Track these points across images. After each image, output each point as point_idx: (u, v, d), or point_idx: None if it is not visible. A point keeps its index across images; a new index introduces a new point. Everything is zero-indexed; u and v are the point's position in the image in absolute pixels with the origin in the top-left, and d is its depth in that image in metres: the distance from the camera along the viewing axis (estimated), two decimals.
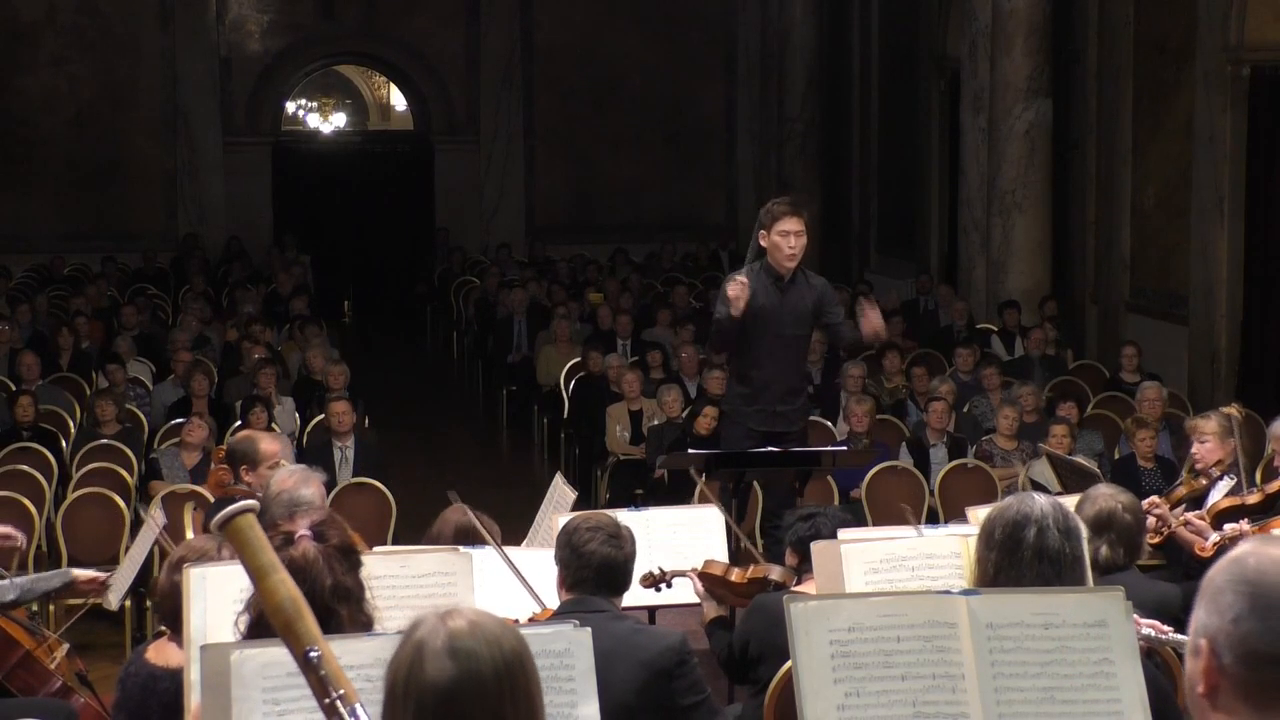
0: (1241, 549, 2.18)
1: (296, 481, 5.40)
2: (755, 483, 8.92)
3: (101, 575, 6.10)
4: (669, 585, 5.89)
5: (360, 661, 3.14)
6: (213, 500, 7.53)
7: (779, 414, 8.22)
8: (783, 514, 8.42)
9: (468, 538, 5.36)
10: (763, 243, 8.20)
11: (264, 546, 2.59)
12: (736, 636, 5.46)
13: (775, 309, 8.15)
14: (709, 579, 5.85)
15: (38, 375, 12.14)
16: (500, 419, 15.60)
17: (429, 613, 2.47)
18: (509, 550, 5.37)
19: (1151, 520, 6.47)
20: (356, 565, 3.47)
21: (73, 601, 8.58)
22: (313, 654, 2.48)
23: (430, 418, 16.06)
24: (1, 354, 13.19)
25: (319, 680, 2.47)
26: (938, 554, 4.87)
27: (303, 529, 3.45)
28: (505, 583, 5.17)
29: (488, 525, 5.45)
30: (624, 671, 4.46)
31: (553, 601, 4.91)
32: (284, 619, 2.54)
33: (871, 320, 8.16)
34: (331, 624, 3.34)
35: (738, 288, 7.89)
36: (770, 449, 8.01)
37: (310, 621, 2.54)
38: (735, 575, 5.80)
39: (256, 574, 2.58)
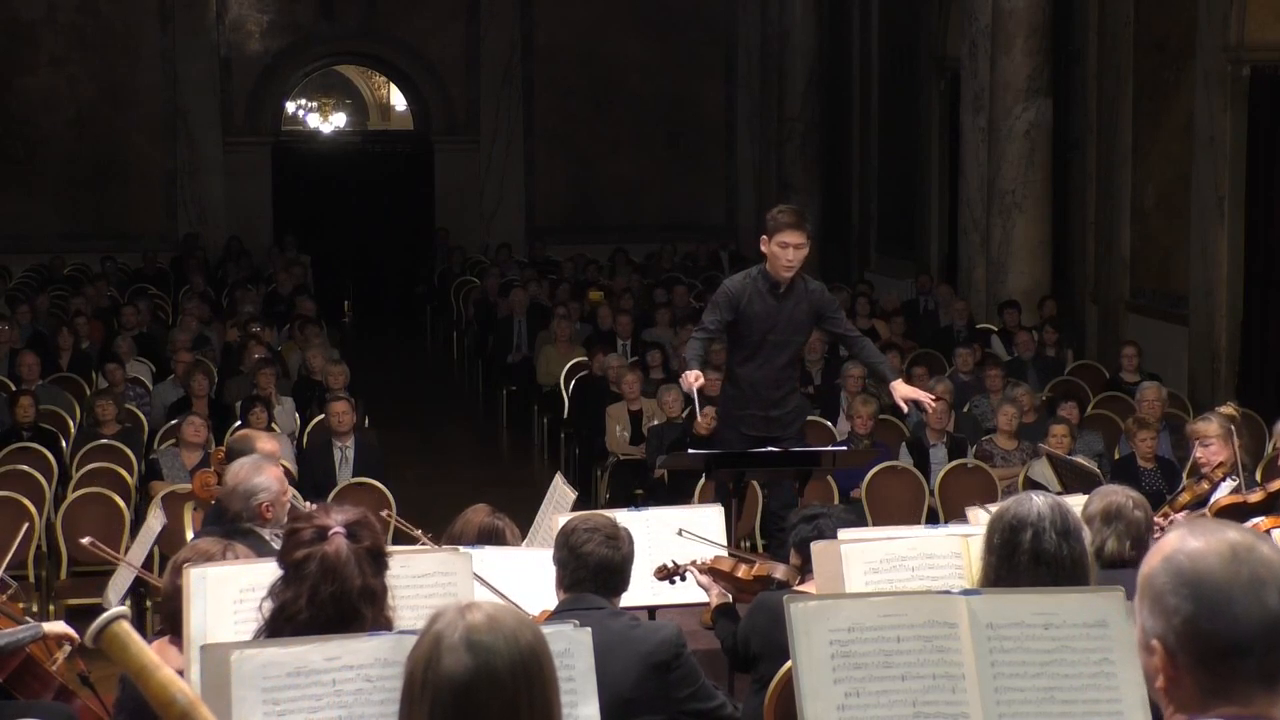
0: (1170, 545, 2.22)
1: (249, 471, 5.52)
2: (756, 483, 8.90)
3: (70, 631, 6.02)
4: (683, 578, 5.92)
5: (360, 661, 3.15)
6: (198, 501, 7.53)
7: (772, 419, 8.22)
8: (786, 514, 8.43)
9: (491, 538, 5.34)
10: (763, 248, 8.19)
11: (141, 649, 2.59)
12: (739, 633, 5.51)
13: (770, 314, 8.16)
14: (717, 573, 5.89)
15: (38, 375, 12.13)
16: (500, 419, 15.59)
17: (449, 605, 2.49)
18: (510, 550, 5.36)
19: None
20: (384, 568, 3.47)
21: (72, 602, 8.62)
22: None
23: (430, 418, 16.05)
24: (1, 354, 13.17)
25: None
26: (938, 554, 4.87)
27: (337, 526, 3.41)
28: (507, 583, 5.16)
29: (510, 527, 5.45)
30: (622, 665, 4.51)
31: (552, 602, 4.91)
32: (178, 712, 2.54)
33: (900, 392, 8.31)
34: (355, 626, 3.34)
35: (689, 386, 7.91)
36: (770, 449, 8.00)
37: (203, 709, 2.55)
38: (742, 571, 5.84)
39: (140, 676, 2.58)
